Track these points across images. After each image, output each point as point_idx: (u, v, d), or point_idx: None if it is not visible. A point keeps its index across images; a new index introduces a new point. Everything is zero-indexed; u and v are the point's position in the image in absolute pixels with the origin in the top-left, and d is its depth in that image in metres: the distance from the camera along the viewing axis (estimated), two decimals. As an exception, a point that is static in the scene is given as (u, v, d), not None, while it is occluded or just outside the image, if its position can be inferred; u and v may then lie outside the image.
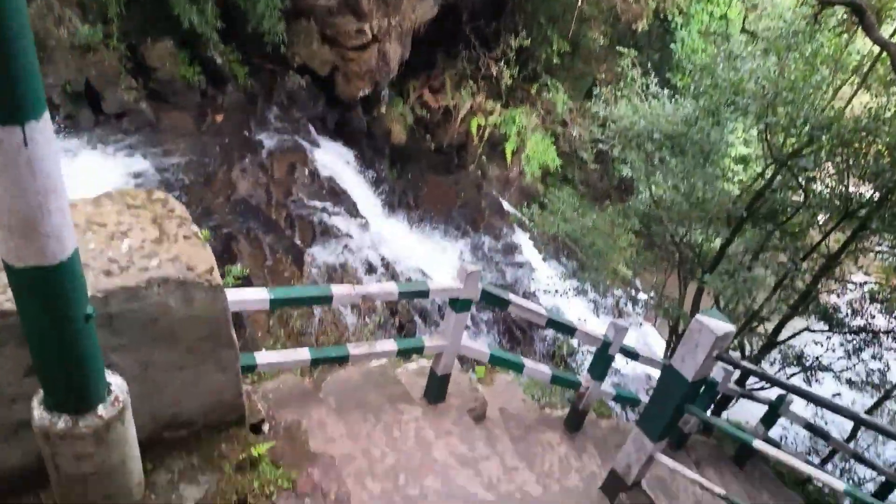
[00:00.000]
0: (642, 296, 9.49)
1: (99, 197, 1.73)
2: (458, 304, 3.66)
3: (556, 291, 9.47)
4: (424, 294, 3.57)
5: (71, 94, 8.18)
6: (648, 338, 13.08)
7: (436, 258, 11.97)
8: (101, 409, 1.42)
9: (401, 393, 4.08)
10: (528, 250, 14.18)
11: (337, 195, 9.84)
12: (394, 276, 9.25)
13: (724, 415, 7.84)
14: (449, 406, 4.18)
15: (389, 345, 3.74)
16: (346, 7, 10.96)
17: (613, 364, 9.57)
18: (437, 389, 4.10)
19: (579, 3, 13.40)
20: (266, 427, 2.40)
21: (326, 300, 3.24)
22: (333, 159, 10.86)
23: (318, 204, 9.24)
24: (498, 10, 14.22)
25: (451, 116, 14.51)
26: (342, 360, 3.64)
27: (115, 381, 1.48)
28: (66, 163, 7.72)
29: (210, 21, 9.07)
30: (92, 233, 1.62)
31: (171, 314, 1.63)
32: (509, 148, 15.05)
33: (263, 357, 3.31)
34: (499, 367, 5.15)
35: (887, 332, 7.18)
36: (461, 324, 3.79)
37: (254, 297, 3.01)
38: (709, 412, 6.64)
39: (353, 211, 9.90)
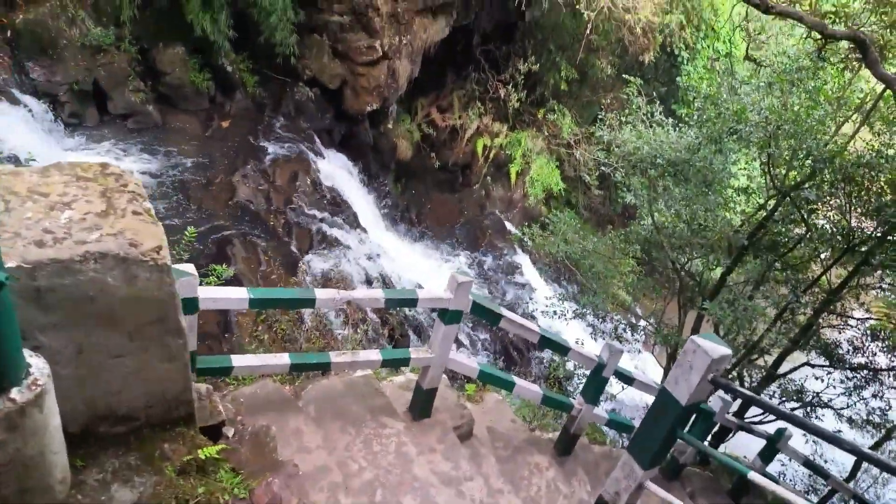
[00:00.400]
0: (642, 323, 9.35)
1: (47, 167, 1.63)
2: (448, 316, 3.56)
3: (555, 313, 9.35)
4: (412, 303, 3.47)
5: (78, 93, 8.21)
6: (647, 366, 12.87)
7: (435, 274, 11.87)
8: (15, 393, 1.29)
9: (384, 405, 3.95)
10: (529, 271, 14.09)
11: (338, 206, 9.80)
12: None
13: (722, 448, 7.63)
14: (434, 422, 4.05)
15: (373, 355, 3.63)
16: (359, 24, 11.07)
17: (610, 391, 9.37)
18: (422, 404, 3.98)
19: (587, 33, 13.52)
20: (231, 431, 2.28)
21: (309, 303, 3.15)
22: (337, 171, 10.85)
23: (317, 213, 9.19)
24: (508, 34, 14.38)
25: (458, 136, 14.57)
26: (324, 368, 3.53)
27: (36, 363, 1.36)
28: (65, 159, 7.74)
29: (222, 29, 9.15)
30: (32, 202, 1.51)
31: (110, 293, 1.51)
32: (514, 169, 15.07)
33: (241, 360, 3.20)
34: (489, 385, 5.02)
35: (889, 370, 7.02)
36: (450, 336, 3.68)
37: (233, 295, 2.93)
38: (706, 444, 6.44)
39: (353, 222, 9.85)
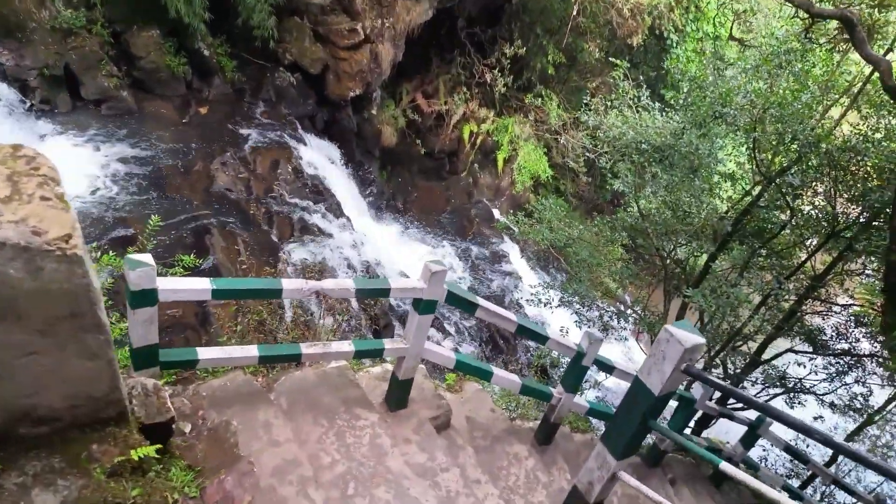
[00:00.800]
0: (628, 310, 9.31)
1: (-51, 149, 1.50)
2: (422, 306, 3.48)
3: (540, 301, 9.29)
4: (385, 293, 3.37)
5: (48, 78, 7.95)
6: (634, 354, 12.89)
7: (421, 264, 11.76)
8: None
9: (359, 397, 3.87)
10: (517, 260, 14.03)
11: (321, 194, 9.64)
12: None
13: (706, 433, 7.64)
14: (410, 413, 3.97)
15: (346, 346, 3.53)
16: (339, 6, 10.84)
17: (597, 377, 9.30)
18: (398, 395, 3.90)
19: (575, 15, 13.34)
20: (188, 427, 2.17)
21: (275, 294, 3.04)
22: (320, 158, 10.67)
23: (299, 202, 9.03)
24: (494, 17, 14.17)
25: (444, 122, 14.38)
26: (294, 360, 3.43)
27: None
28: (36, 146, 7.51)
29: (198, 11, 8.88)
30: (-74, 186, 1.38)
31: (12, 286, 1.38)
32: (501, 156, 14.94)
33: (206, 352, 3.10)
34: (468, 375, 4.94)
35: (871, 356, 7.02)
36: (424, 326, 3.60)
37: (194, 286, 2.81)
38: (688, 430, 6.44)
39: (336, 210, 9.70)
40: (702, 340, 2.51)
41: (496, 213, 15.14)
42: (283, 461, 3.14)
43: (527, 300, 9.90)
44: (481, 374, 4.14)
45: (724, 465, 2.37)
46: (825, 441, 2.11)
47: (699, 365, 5.08)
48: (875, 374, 7.08)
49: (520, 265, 13.84)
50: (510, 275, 13.18)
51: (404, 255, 11.71)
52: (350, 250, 9.19)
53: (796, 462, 7.33)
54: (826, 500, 7.24)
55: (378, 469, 3.44)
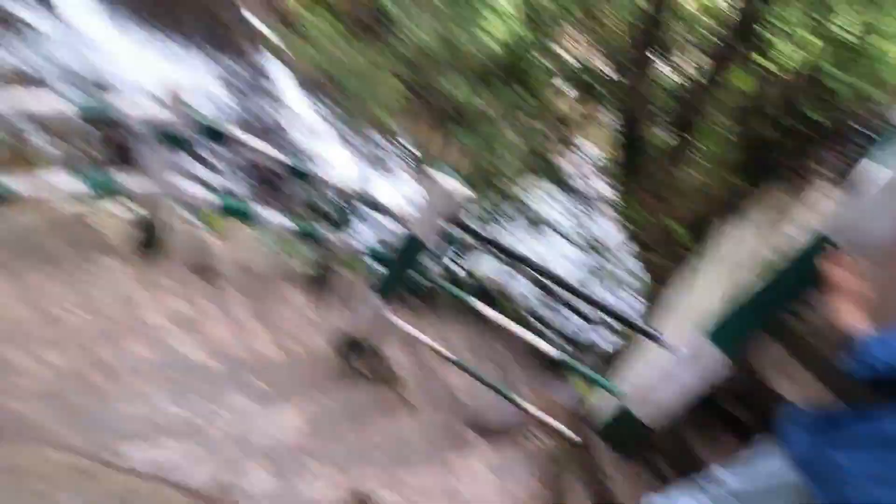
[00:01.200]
0: (399, 144, 9.42)
1: None
2: (166, 136, 2.96)
3: (311, 132, 8.82)
4: (116, 120, 2.77)
5: None
6: (403, 186, 13.44)
7: (165, 78, 9.95)
8: None
9: (102, 244, 3.34)
10: (286, 83, 12.77)
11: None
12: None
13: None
14: (167, 260, 3.58)
15: (72, 183, 2.89)
16: None
17: (375, 216, 9.49)
18: (148, 240, 3.46)
19: None
20: None
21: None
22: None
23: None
24: None
25: None
26: (5, 199, 2.71)
27: None
28: None
29: None
30: None
31: None
32: (264, -49, 12.70)
33: None
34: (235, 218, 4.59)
35: (607, 202, 8.31)
36: (171, 162, 3.11)
37: None
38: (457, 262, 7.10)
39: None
40: (467, 191, 2.65)
41: (262, 26, 13.25)
42: (7, 322, 2.64)
43: (298, 131, 9.31)
44: (248, 216, 3.84)
45: (473, 302, 2.70)
46: (552, 278, 2.53)
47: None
48: (606, 215, 8.47)
49: (287, 89, 12.69)
50: (278, 101, 12.08)
51: (149, 70, 9.74)
52: (72, 55, 7.27)
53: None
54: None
55: (131, 322, 3.12)
